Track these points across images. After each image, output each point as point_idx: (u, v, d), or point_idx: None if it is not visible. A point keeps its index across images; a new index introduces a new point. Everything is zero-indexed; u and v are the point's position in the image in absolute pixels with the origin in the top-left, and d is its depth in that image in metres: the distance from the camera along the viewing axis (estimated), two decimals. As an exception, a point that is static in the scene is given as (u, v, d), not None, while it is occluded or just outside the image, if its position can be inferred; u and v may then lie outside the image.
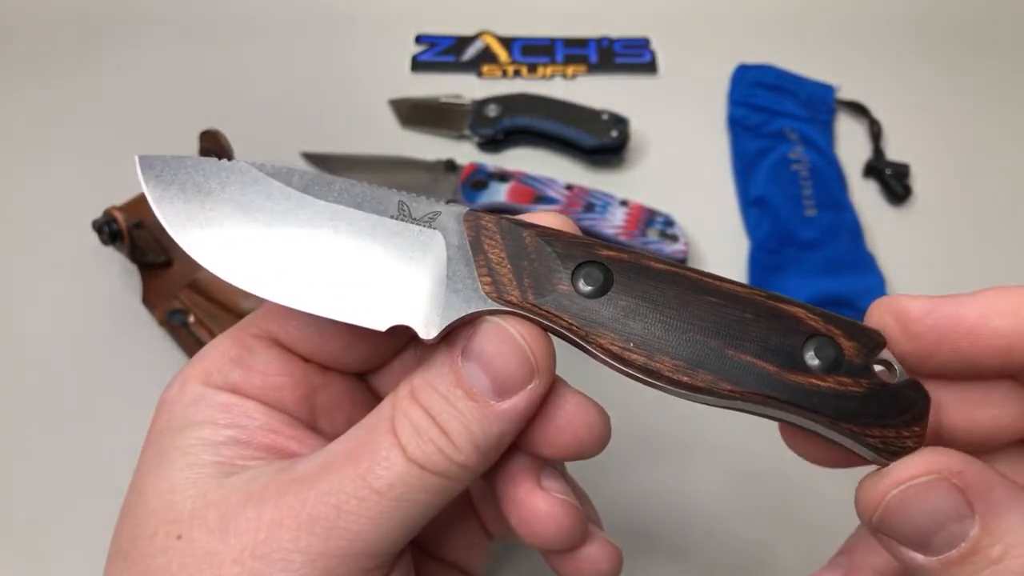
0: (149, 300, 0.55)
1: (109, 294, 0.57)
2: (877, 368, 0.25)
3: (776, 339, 0.25)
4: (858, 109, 0.71)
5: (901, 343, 0.25)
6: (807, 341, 0.25)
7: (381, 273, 0.26)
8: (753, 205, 0.62)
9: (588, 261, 0.26)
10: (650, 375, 0.25)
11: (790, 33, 0.78)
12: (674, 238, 0.59)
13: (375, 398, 0.32)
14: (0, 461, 0.49)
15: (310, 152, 0.66)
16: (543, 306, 0.25)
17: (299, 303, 0.25)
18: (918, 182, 0.66)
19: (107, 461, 0.48)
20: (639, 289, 0.25)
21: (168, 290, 0.55)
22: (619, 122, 0.66)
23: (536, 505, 0.28)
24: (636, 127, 0.67)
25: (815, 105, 0.70)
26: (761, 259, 0.59)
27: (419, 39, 0.78)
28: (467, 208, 0.27)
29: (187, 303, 0.54)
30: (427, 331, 0.25)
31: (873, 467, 0.25)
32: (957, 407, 0.26)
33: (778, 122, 0.67)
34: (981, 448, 0.27)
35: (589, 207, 0.60)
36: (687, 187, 0.65)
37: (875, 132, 0.69)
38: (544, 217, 0.27)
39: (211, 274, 0.60)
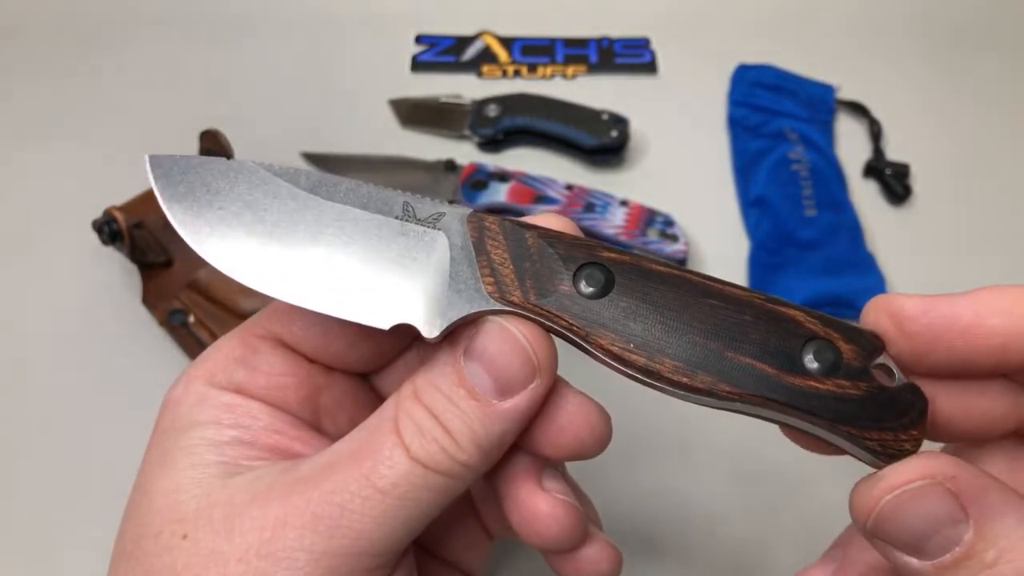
0: (149, 300, 0.55)
1: (109, 294, 0.57)
2: (875, 372, 0.25)
3: (775, 342, 0.25)
4: (858, 109, 0.71)
5: (896, 342, 0.25)
6: (806, 344, 0.25)
7: (385, 272, 0.26)
8: (753, 205, 0.63)
9: (590, 263, 0.26)
10: (650, 376, 0.25)
11: (790, 33, 0.78)
12: (674, 238, 0.59)
13: (378, 399, 0.32)
14: (0, 461, 0.49)
15: (310, 152, 0.66)
16: (545, 306, 0.26)
17: (305, 301, 0.26)
18: (918, 182, 0.66)
19: (107, 461, 0.48)
20: (640, 291, 0.26)
21: (168, 290, 0.55)
22: (619, 122, 0.66)
23: (537, 506, 0.28)
24: (636, 127, 0.67)
25: (815, 105, 0.70)
26: (761, 259, 0.59)
27: (419, 39, 0.78)
28: (471, 210, 0.27)
29: (187, 303, 0.55)
30: (430, 330, 0.26)
31: (868, 471, 0.25)
32: (950, 399, 0.26)
33: (778, 122, 0.67)
34: (974, 439, 0.27)
35: (589, 207, 0.60)
36: (687, 187, 0.65)
37: (875, 132, 0.69)
38: (547, 219, 0.28)
39: (211, 274, 0.60)
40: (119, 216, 0.53)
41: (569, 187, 0.61)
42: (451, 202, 0.27)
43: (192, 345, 0.53)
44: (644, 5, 0.81)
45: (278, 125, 0.69)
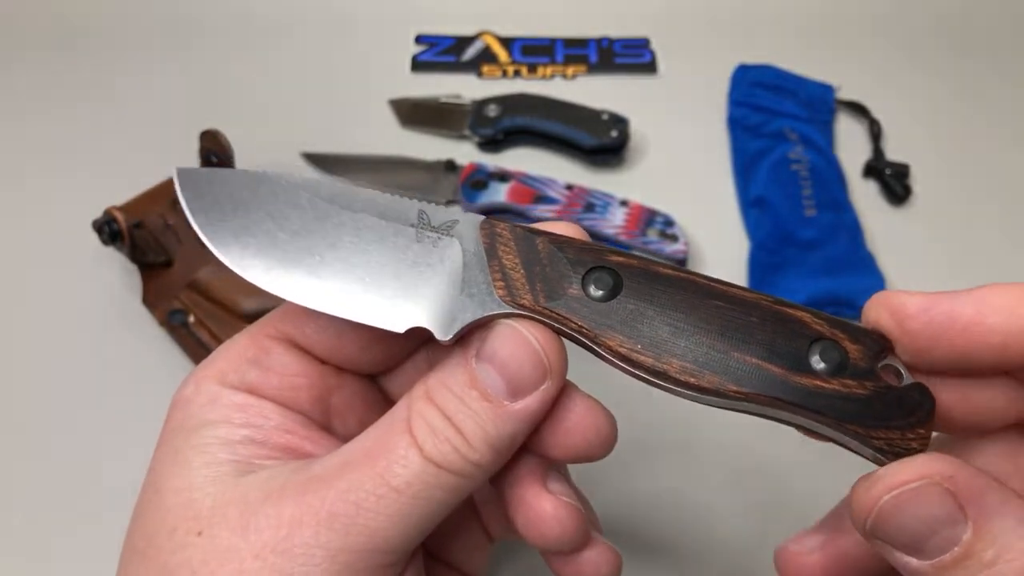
0: (149, 300, 0.55)
1: (109, 294, 0.57)
2: (883, 372, 0.25)
3: (782, 342, 0.25)
4: (858, 109, 0.71)
5: (897, 339, 0.25)
6: (812, 344, 0.25)
7: (400, 278, 0.27)
8: (753, 205, 0.63)
9: (598, 266, 0.27)
10: (658, 376, 0.26)
11: (790, 33, 0.78)
12: (674, 238, 0.59)
13: (387, 400, 0.33)
14: (0, 461, 0.49)
15: (310, 152, 0.66)
16: (555, 309, 0.26)
17: (324, 306, 0.27)
18: (918, 182, 0.66)
19: (107, 461, 0.48)
20: (647, 293, 0.26)
21: (168, 290, 0.55)
22: (619, 122, 0.66)
23: (543, 507, 0.28)
24: (636, 127, 0.67)
25: (815, 105, 0.70)
26: (761, 259, 0.59)
27: (419, 39, 0.78)
28: (483, 217, 0.28)
29: (187, 303, 0.54)
30: (443, 333, 0.26)
31: (867, 471, 0.25)
32: (951, 392, 0.26)
33: (778, 122, 0.68)
34: (974, 430, 0.27)
35: (589, 207, 0.60)
36: (687, 187, 0.65)
37: (875, 132, 0.69)
38: (557, 226, 0.28)
39: (211, 274, 0.60)
40: (119, 216, 0.53)
41: (569, 187, 0.61)
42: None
43: (192, 345, 0.53)
44: (644, 5, 0.81)
45: (278, 125, 0.69)
